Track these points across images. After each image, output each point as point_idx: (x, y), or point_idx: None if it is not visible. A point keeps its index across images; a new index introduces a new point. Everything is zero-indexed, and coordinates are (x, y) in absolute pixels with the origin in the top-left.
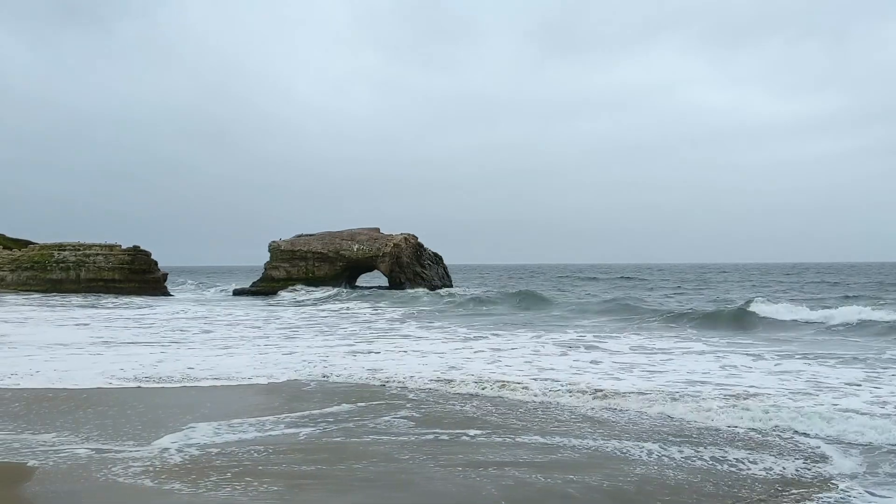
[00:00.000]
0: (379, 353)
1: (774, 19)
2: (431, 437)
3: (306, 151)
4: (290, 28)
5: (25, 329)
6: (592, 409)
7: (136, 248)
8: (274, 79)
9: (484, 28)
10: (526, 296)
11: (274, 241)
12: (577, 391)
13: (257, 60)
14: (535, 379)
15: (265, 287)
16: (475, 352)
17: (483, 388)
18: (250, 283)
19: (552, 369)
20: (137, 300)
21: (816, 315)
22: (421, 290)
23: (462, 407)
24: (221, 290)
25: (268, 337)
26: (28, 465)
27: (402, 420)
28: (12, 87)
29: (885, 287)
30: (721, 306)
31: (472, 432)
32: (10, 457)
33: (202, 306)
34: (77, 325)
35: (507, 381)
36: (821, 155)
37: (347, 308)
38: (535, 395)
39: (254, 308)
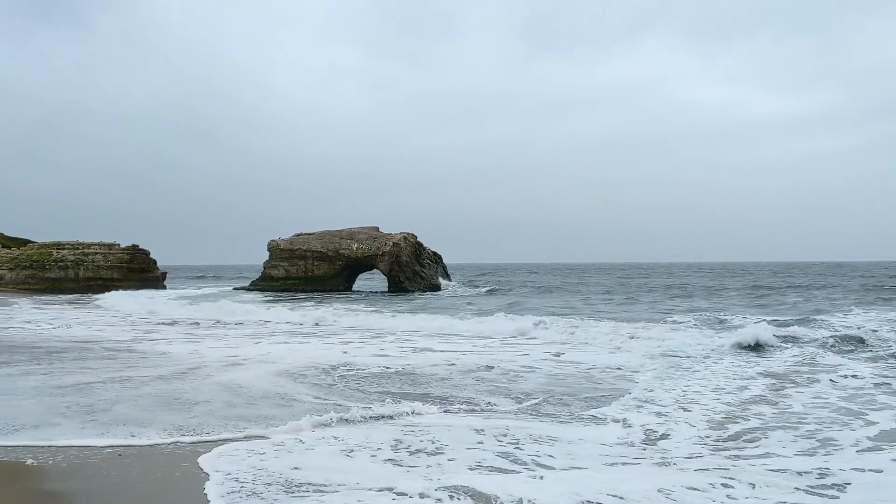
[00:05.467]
0: None
1: (762, 14)
2: None
3: (300, 150)
4: (275, 25)
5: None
6: None
7: (134, 247)
8: (261, 76)
9: (469, 24)
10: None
11: (273, 240)
12: None
13: (245, 58)
14: None
15: (265, 286)
16: None
17: None
18: (249, 283)
19: None
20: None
21: None
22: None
23: None
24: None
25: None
26: None
27: None
28: None
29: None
30: None
31: None
32: None
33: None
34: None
35: None
36: (822, 153)
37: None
38: None
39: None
